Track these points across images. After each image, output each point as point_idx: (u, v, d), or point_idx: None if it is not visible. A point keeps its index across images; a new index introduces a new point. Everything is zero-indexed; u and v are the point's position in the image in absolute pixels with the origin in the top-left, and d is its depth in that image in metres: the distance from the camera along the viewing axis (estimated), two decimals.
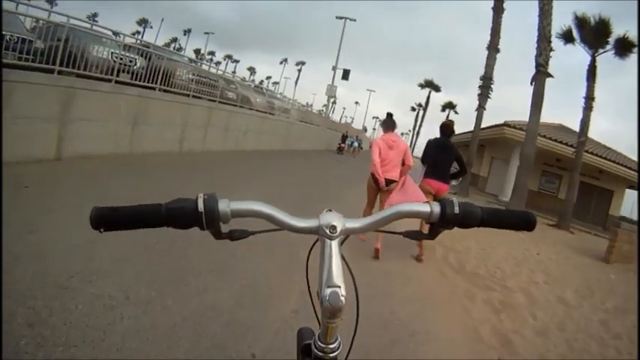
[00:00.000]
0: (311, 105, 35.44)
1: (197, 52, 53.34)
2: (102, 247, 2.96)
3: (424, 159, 4.93)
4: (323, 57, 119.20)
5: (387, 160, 4.51)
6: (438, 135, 4.92)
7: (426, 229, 0.75)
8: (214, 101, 9.97)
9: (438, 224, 0.68)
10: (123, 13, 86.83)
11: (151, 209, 0.62)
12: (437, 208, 0.67)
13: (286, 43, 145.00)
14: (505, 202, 16.28)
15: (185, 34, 58.86)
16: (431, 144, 4.90)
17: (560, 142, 15.82)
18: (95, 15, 42.10)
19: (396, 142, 4.57)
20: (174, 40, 55.57)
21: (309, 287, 0.79)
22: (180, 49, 47.01)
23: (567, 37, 14.00)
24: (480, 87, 16.99)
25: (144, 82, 7.23)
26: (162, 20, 53.72)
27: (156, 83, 7.44)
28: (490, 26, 16.38)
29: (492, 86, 16.76)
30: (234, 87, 12.37)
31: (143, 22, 52.41)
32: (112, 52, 6.98)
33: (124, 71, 7.09)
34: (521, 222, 0.71)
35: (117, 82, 6.50)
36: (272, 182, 7.57)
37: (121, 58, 7.06)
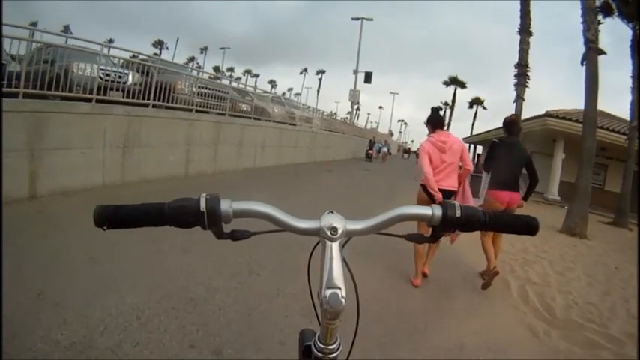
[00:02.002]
0: (335, 113, 34.32)
1: (216, 69, 53.33)
2: None
3: (489, 165, 3.99)
4: (343, 64, 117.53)
5: (441, 167, 3.50)
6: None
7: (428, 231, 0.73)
8: (223, 114, 8.94)
9: (440, 227, 0.67)
10: (139, 37, 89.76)
11: (154, 208, 0.62)
12: (438, 211, 0.66)
13: (305, 53, 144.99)
14: (553, 200, 14.61)
15: (202, 53, 59.17)
16: (498, 146, 3.96)
17: (607, 130, 13.89)
18: (111, 41, 42.23)
19: (448, 143, 3.52)
20: (192, 59, 55.70)
21: (310, 288, 0.76)
22: (199, 67, 47.06)
23: (605, 9, 12.44)
24: (515, 75, 15.53)
25: (137, 98, 6.26)
26: (178, 40, 53.95)
27: (149, 99, 6.44)
28: (519, 9, 14.99)
29: (529, 73, 15.33)
30: (250, 98, 11.32)
31: (159, 44, 52.73)
32: (98, 69, 6.10)
33: (115, 89, 6.20)
34: (524, 226, 0.69)
35: (99, 100, 5.53)
36: (290, 208, 6.30)
37: (109, 74, 6.16)
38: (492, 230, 0.69)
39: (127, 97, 6.22)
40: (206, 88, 8.38)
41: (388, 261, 4.08)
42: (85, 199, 4.99)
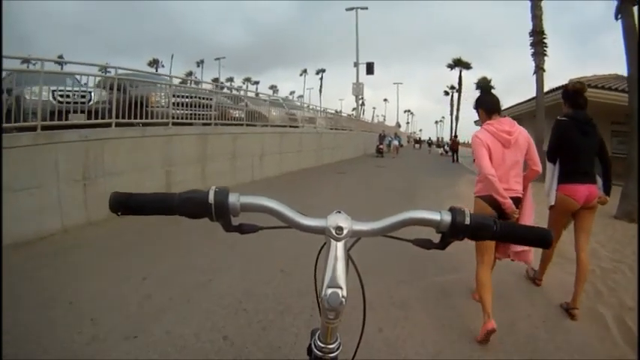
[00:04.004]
0: (340, 111, 32.99)
1: (215, 80, 52.46)
2: None
3: (554, 151, 2.96)
4: (343, 61, 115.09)
5: (503, 168, 2.53)
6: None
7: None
8: (209, 124, 7.92)
9: (448, 234, 0.65)
10: (134, 59, 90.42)
11: (165, 197, 0.63)
12: (447, 216, 0.64)
13: (303, 55, 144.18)
14: None
15: (199, 66, 58.63)
16: (567, 125, 2.91)
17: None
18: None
19: (513, 134, 2.56)
20: (190, 73, 54.72)
21: (316, 288, 0.69)
22: (197, 80, 46.45)
23: None
24: (531, 45, 14.32)
25: (96, 119, 5.32)
26: (172, 57, 53.08)
27: (110, 117, 5.46)
28: None
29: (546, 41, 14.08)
30: (244, 104, 10.29)
31: (154, 63, 52.00)
32: (52, 91, 5.20)
33: (76, 111, 5.30)
34: (537, 239, 0.66)
35: (45, 127, 4.58)
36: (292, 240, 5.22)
37: (67, 96, 5.27)
38: (503, 241, 0.66)
39: (97, 118, 5.33)
40: (186, 96, 7.39)
41: (439, 312, 2.88)
42: (38, 250, 4.03)
